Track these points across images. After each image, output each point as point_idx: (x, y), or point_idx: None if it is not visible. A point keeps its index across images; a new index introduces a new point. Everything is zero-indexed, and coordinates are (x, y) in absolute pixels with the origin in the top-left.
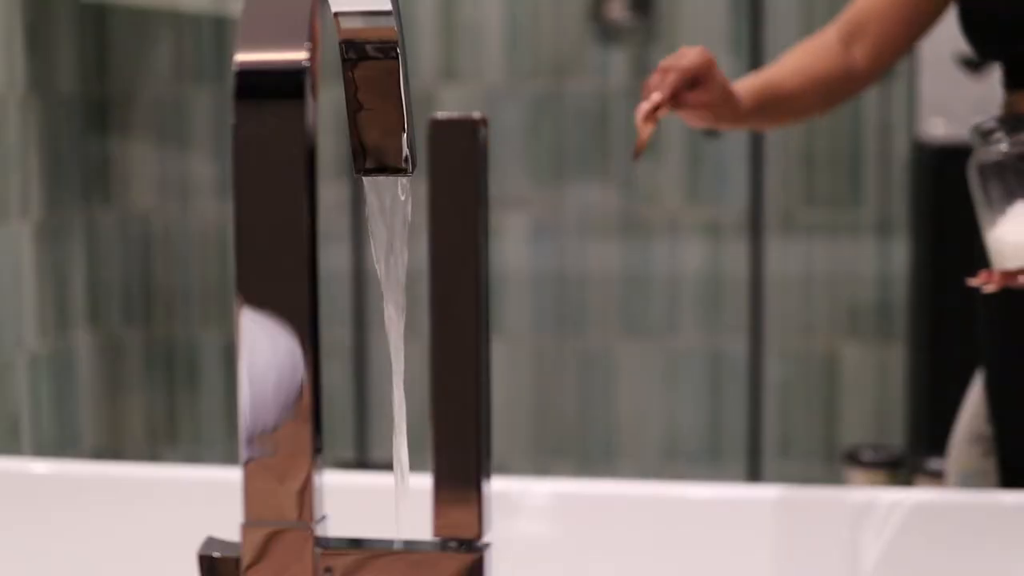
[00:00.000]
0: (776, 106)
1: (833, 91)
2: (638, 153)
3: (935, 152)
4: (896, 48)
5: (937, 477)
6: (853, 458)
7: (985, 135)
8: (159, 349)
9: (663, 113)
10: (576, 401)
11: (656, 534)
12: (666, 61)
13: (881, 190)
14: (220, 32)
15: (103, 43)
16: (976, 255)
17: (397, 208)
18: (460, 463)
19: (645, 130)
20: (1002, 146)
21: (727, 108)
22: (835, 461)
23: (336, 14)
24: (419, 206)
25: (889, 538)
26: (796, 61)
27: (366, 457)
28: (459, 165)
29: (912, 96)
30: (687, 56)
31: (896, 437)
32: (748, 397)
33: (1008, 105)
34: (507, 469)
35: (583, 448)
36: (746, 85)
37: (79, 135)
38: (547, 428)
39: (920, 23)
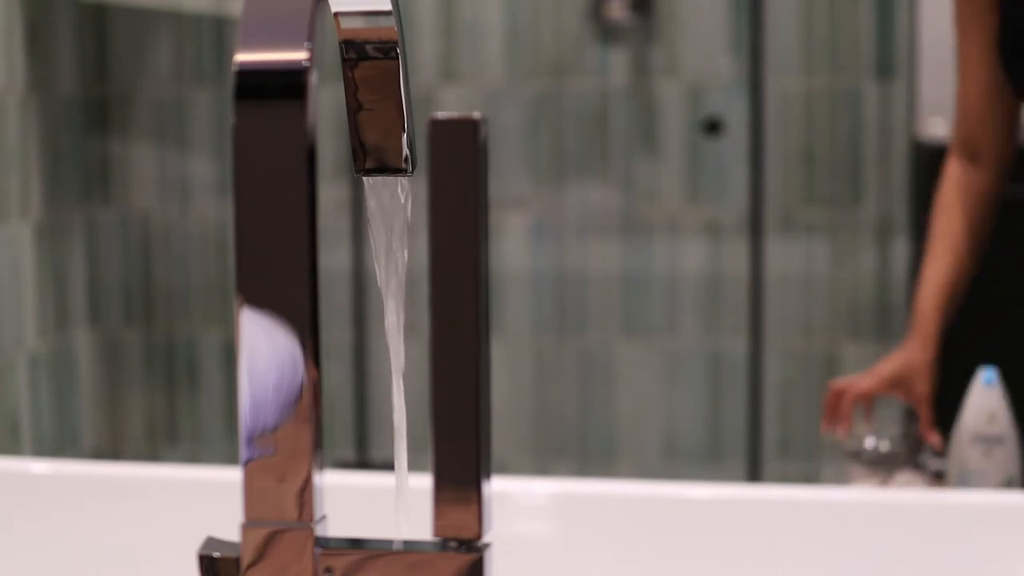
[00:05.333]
0: (961, 296)
1: (988, 219)
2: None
3: (935, 152)
4: (1009, 136)
5: (937, 477)
6: (853, 458)
7: None
8: (159, 349)
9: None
10: (576, 401)
11: (656, 534)
12: (840, 383)
13: (881, 190)
14: (220, 32)
15: (103, 43)
16: None
17: (397, 208)
18: (460, 463)
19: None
20: None
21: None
22: (835, 461)
23: (336, 14)
24: (419, 206)
25: (889, 538)
26: (954, 241)
27: (366, 457)
28: (459, 165)
29: (912, 96)
30: (860, 385)
31: (896, 437)
32: (748, 397)
33: None
34: (507, 469)
35: (583, 448)
36: (932, 316)
37: (79, 135)
38: (547, 428)
39: (1009, 96)
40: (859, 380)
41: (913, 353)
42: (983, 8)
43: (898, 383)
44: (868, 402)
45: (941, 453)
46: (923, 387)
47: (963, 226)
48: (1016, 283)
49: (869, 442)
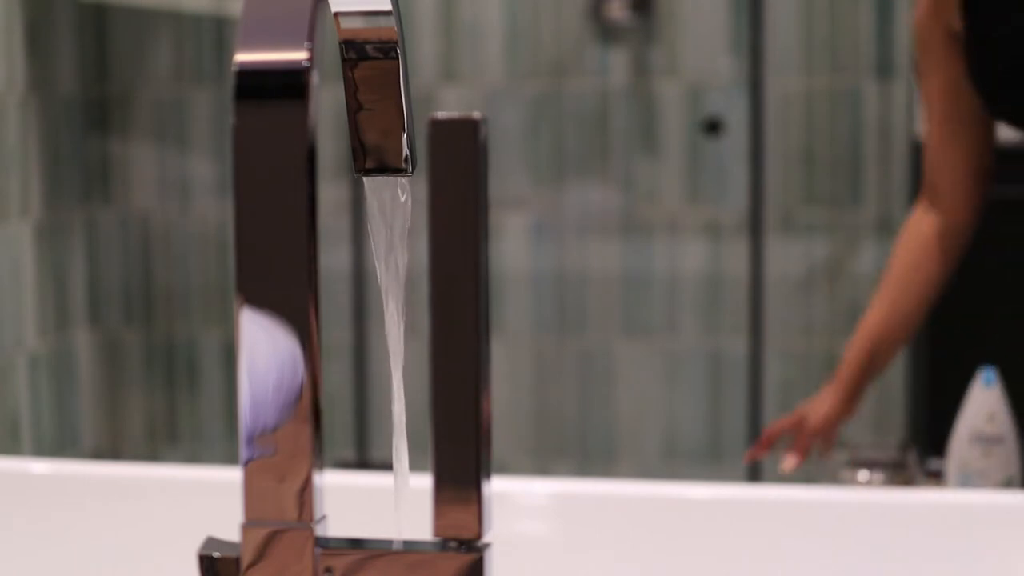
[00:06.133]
0: (896, 344)
1: (947, 267)
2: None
3: None
4: (973, 177)
5: (937, 477)
6: (853, 458)
7: None
8: (159, 349)
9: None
10: (576, 401)
11: (656, 534)
12: (799, 414)
13: (881, 190)
14: (220, 32)
15: (103, 43)
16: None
17: (397, 208)
18: (460, 463)
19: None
20: None
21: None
22: (835, 461)
23: (336, 14)
24: (419, 206)
25: (889, 538)
26: (892, 288)
27: (366, 457)
28: (459, 165)
29: (912, 96)
30: (813, 420)
31: (896, 437)
32: (748, 397)
33: None
34: (507, 469)
35: (583, 448)
36: (849, 363)
37: (79, 135)
38: (547, 428)
39: (978, 141)
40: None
41: (824, 394)
42: (943, 52)
43: (799, 419)
44: (826, 436)
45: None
46: (814, 420)
47: (904, 274)
48: (1016, 283)
49: (862, 475)
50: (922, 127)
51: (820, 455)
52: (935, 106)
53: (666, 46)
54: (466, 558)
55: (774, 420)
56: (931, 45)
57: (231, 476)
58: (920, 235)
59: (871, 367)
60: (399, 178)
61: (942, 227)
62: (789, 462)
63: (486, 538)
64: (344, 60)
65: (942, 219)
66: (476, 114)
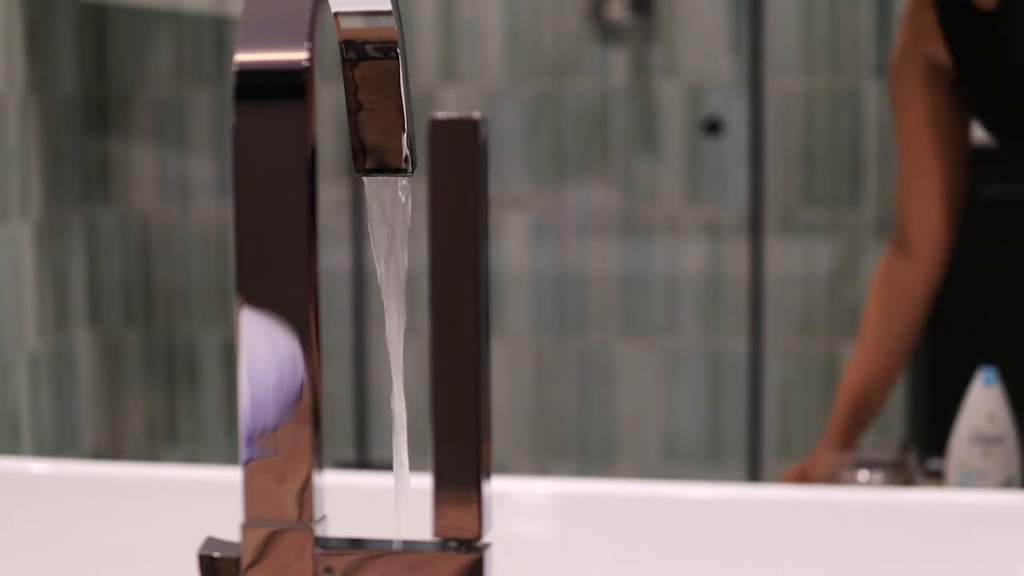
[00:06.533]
0: (879, 396)
1: (924, 312)
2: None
3: None
4: (945, 221)
5: (937, 477)
6: (853, 458)
7: None
8: (159, 349)
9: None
10: (576, 401)
11: (656, 534)
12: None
13: (881, 190)
14: (220, 32)
15: (103, 43)
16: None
17: (397, 208)
18: (460, 463)
19: None
20: None
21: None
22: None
23: (336, 14)
24: (419, 206)
25: (889, 538)
26: (872, 337)
27: (366, 457)
28: (459, 165)
29: None
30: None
31: (896, 437)
32: (748, 397)
33: None
34: (507, 469)
35: (583, 448)
36: (838, 418)
37: (79, 135)
38: (547, 428)
39: (952, 180)
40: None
41: (818, 453)
42: (921, 82)
43: (801, 477)
44: None
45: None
46: (810, 471)
47: (880, 322)
48: (1016, 283)
49: (862, 475)
50: (896, 173)
51: None
52: (912, 140)
53: (666, 46)
54: (466, 558)
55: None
56: (908, 76)
57: (231, 476)
58: (895, 285)
59: (864, 417)
60: (399, 178)
61: (915, 276)
62: None
63: (486, 538)
64: (344, 60)
65: (914, 268)
66: (476, 114)
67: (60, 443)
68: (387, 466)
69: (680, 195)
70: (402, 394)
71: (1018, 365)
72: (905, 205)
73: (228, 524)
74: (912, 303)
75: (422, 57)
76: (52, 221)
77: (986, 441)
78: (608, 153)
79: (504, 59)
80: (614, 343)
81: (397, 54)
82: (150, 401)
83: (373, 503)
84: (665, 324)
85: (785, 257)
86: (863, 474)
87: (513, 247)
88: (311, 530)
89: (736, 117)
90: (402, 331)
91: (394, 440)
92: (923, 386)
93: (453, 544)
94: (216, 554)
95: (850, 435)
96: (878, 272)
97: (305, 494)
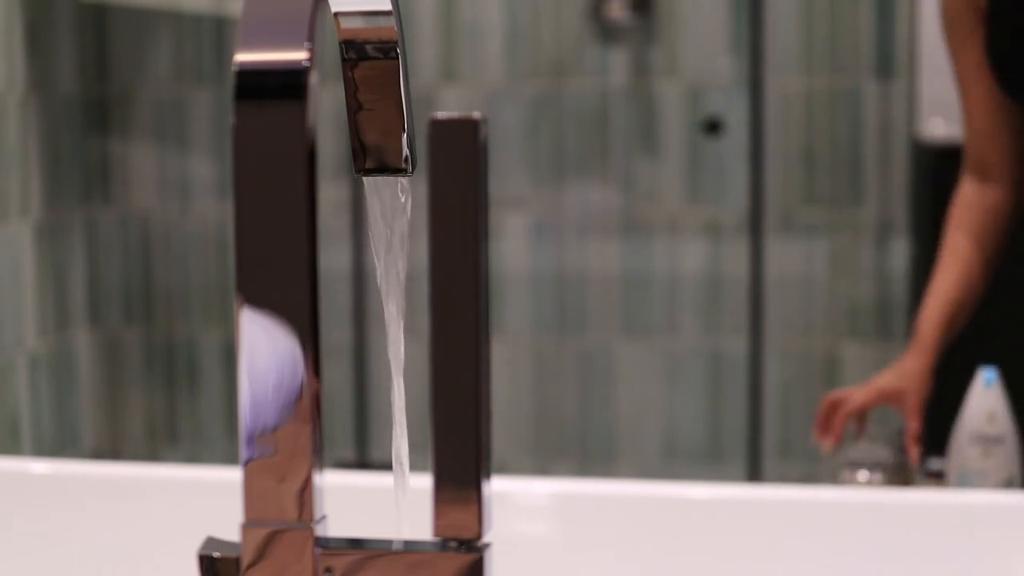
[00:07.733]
0: (967, 311)
1: (999, 236)
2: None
3: (935, 152)
4: (1020, 151)
5: (937, 477)
6: (853, 458)
7: None
8: (159, 349)
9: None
10: (576, 401)
11: (656, 534)
12: (836, 395)
13: (881, 190)
14: (220, 32)
15: (103, 43)
16: None
17: (397, 208)
18: (460, 463)
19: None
20: None
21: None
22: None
23: (336, 14)
24: (419, 206)
25: (889, 538)
26: (961, 258)
27: (366, 457)
28: (459, 165)
29: (912, 96)
30: (854, 399)
31: (896, 437)
32: (748, 397)
33: None
34: (507, 469)
35: (583, 448)
36: (931, 327)
37: (79, 135)
38: (547, 428)
39: (1011, 112)
40: (854, 393)
41: (909, 363)
42: (972, 26)
43: (892, 395)
44: (861, 416)
45: (919, 467)
46: (914, 399)
47: (970, 245)
48: (1016, 283)
49: (862, 475)
50: (961, 105)
51: (854, 436)
52: (976, 84)
53: (666, 46)
54: (466, 558)
55: (845, 398)
56: (959, 21)
57: (231, 476)
58: (978, 205)
59: (949, 331)
60: (399, 178)
61: (998, 194)
62: (827, 445)
63: (486, 538)
64: (344, 60)
65: (994, 192)
66: (476, 114)
67: (60, 443)
68: (387, 466)
69: (680, 195)
70: (402, 394)
71: (1018, 365)
72: (977, 140)
73: (228, 524)
74: (1000, 225)
75: (422, 57)
76: (52, 221)
77: (986, 441)
78: (608, 153)
79: (504, 59)
80: (614, 343)
81: (397, 54)
82: (150, 401)
83: (373, 503)
84: (665, 324)
85: (785, 257)
86: (863, 474)
87: (513, 247)
88: (311, 530)
89: (736, 117)
90: (402, 331)
91: (394, 440)
92: None
93: (453, 544)
94: (216, 554)
95: (939, 342)
96: (958, 202)
97: (305, 494)
